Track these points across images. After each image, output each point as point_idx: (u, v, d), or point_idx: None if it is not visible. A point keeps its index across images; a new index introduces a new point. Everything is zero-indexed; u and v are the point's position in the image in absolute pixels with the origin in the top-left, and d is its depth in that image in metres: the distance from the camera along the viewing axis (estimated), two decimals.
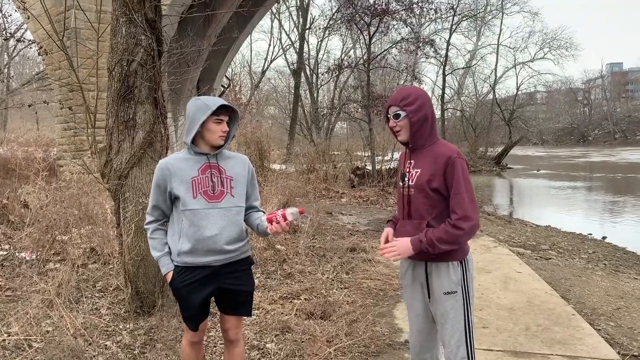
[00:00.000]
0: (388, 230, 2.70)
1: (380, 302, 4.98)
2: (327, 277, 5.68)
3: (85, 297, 4.59)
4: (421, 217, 2.51)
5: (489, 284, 5.66)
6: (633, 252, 9.73)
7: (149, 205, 2.68)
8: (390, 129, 2.63)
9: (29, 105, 12.10)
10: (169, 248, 2.64)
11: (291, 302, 4.83)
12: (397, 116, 2.53)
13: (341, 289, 5.36)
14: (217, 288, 2.65)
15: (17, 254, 5.76)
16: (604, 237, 11.17)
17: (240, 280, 2.70)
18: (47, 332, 3.88)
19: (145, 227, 2.68)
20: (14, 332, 3.80)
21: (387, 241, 2.64)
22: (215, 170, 2.61)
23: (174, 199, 2.60)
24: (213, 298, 2.74)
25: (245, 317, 2.99)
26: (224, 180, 2.62)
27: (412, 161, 2.57)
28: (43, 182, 7.28)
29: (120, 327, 4.07)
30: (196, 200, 2.55)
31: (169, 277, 2.62)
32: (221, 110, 2.58)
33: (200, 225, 2.55)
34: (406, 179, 2.57)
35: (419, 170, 2.52)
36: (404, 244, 2.47)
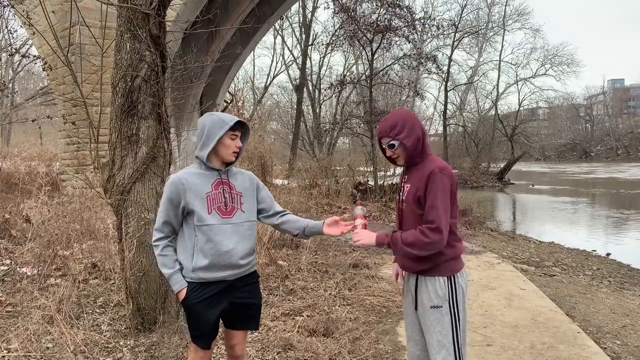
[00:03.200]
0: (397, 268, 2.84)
1: (384, 319, 4.93)
2: (330, 294, 5.63)
3: (86, 313, 4.56)
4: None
5: (493, 301, 5.61)
6: (638, 269, 9.65)
7: (157, 221, 2.63)
8: (387, 158, 2.70)
9: (33, 120, 12.14)
10: (180, 265, 2.61)
11: (293, 318, 4.78)
12: (392, 146, 2.60)
13: (344, 305, 5.32)
14: (229, 303, 2.65)
15: (18, 269, 5.74)
16: (608, 254, 11.09)
17: (251, 294, 2.73)
18: (47, 348, 3.85)
19: (155, 244, 2.62)
20: (14, 348, 3.76)
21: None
22: (226, 187, 2.64)
23: (186, 214, 2.59)
24: None
25: (249, 332, 2.98)
26: (235, 196, 2.65)
27: (406, 176, 2.66)
28: (45, 196, 7.27)
29: (121, 343, 4.03)
30: (211, 216, 2.56)
31: (183, 294, 2.58)
32: (236, 126, 2.63)
33: (216, 240, 2.55)
34: (401, 193, 2.67)
35: (409, 185, 2.60)
36: (367, 236, 2.59)
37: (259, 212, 2.81)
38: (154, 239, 2.63)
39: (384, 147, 2.64)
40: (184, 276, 2.59)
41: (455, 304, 2.53)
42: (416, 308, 2.61)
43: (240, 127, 2.68)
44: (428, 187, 2.47)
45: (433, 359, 2.52)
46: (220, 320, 2.75)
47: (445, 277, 2.53)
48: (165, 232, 2.62)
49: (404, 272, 2.77)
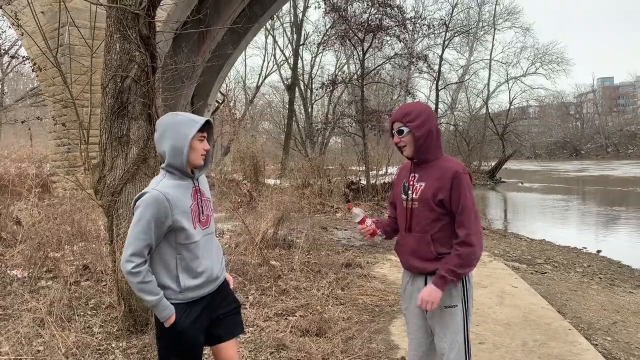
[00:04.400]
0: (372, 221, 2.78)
1: (376, 318, 4.94)
2: (323, 293, 5.63)
3: (78, 315, 4.53)
4: (423, 230, 2.53)
5: (485, 298, 5.63)
6: (628, 266, 9.73)
7: (135, 244, 2.25)
8: (395, 145, 2.64)
9: (23, 122, 12.06)
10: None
11: (286, 319, 4.78)
12: (400, 132, 2.55)
13: (337, 305, 5.32)
14: (212, 318, 2.51)
15: (8, 271, 5.70)
16: (599, 251, 11.16)
17: (228, 301, 2.61)
18: (39, 351, 3.82)
19: (135, 270, 2.25)
20: (5, 351, 3.73)
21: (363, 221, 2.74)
22: (200, 195, 2.46)
23: (168, 232, 2.34)
24: None
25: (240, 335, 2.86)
26: (207, 203, 2.50)
27: (416, 175, 2.59)
28: (36, 198, 7.22)
29: (113, 345, 4.01)
30: (196, 231, 2.38)
31: (173, 318, 2.34)
32: (204, 126, 2.41)
33: (201, 256, 2.40)
34: (409, 192, 2.58)
35: (423, 184, 2.54)
36: (432, 292, 2.46)
37: None
38: (132, 265, 2.25)
39: (393, 132, 2.59)
40: (168, 297, 2.35)
41: (467, 301, 2.55)
42: (426, 310, 2.57)
43: (207, 128, 2.45)
44: (455, 189, 2.44)
45: (446, 356, 2.52)
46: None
47: None
48: (145, 255, 2.30)
49: (406, 272, 2.71)
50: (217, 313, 2.53)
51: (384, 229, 2.78)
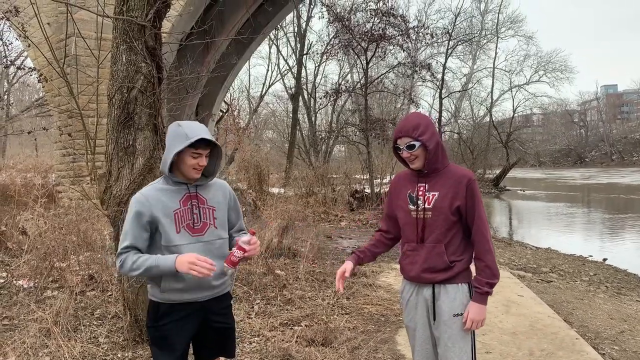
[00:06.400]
0: (347, 265, 2.80)
1: (382, 328, 4.92)
2: (328, 303, 5.62)
3: (84, 326, 4.54)
4: (437, 240, 2.52)
5: (491, 307, 5.61)
6: (635, 274, 9.67)
7: (121, 245, 2.36)
8: (401, 159, 2.62)
9: (29, 132, 12.15)
10: (149, 282, 2.43)
11: (292, 328, 4.77)
12: (411, 147, 2.51)
13: (342, 314, 5.31)
14: (200, 325, 2.48)
15: (14, 281, 5.71)
16: (605, 259, 11.10)
17: (225, 317, 2.57)
18: None
19: (119, 265, 2.36)
20: None
21: (343, 276, 2.75)
22: (196, 201, 2.44)
23: (153, 233, 2.39)
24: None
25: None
26: (206, 211, 2.46)
27: (425, 185, 2.56)
28: (42, 208, 7.25)
29: (119, 355, 4.01)
30: (180, 235, 2.38)
31: (182, 259, 2.29)
32: (200, 143, 2.37)
33: None
34: (419, 202, 2.55)
35: (436, 193, 2.52)
36: (480, 310, 2.51)
37: None
38: (117, 264, 2.37)
39: (400, 147, 2.54)
40: (153, 295, 2.42)
41: None
42: (434, 319, 2.55)
43: (208, 145, 2.41)
44: (469, 196, 2.48)
45: None
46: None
47: (467, 283, 2.55)
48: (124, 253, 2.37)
49: (408, 284, 2.67)
50: (209, 323, 2.49)
51: (367, 255, 2.88)
